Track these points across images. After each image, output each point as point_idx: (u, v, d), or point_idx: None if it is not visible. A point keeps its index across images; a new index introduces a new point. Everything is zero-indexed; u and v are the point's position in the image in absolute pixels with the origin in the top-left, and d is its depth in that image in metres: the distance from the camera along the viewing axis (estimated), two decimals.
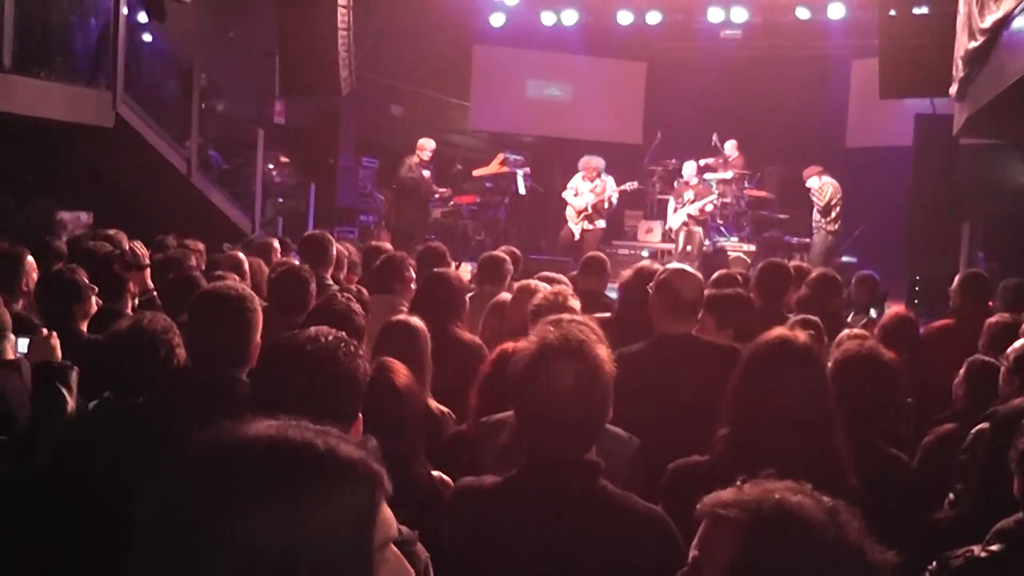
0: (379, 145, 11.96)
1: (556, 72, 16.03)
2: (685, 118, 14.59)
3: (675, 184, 13.33)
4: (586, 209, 11.74)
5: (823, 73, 14.51)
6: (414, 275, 5.08)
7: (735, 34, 14.69)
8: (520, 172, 12.79)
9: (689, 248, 12.10)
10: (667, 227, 12.91)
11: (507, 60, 15.76)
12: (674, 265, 3.79)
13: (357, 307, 3.50)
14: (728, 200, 13.12)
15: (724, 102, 14.84)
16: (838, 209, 11.55)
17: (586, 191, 11.80)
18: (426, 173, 11.67)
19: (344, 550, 0.99)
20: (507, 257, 5.75)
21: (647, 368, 3.32)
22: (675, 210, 12.56)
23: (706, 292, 4.74)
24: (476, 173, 13.28)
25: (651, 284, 3.67)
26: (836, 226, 11.58)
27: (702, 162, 13.28)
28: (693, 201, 12.18)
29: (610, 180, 11.85)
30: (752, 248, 12.37)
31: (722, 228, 13.07)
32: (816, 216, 11.78)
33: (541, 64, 16.00)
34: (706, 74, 14.95)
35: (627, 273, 4.27)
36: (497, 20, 14.88)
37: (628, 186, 11.90)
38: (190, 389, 2.60)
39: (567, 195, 11.96)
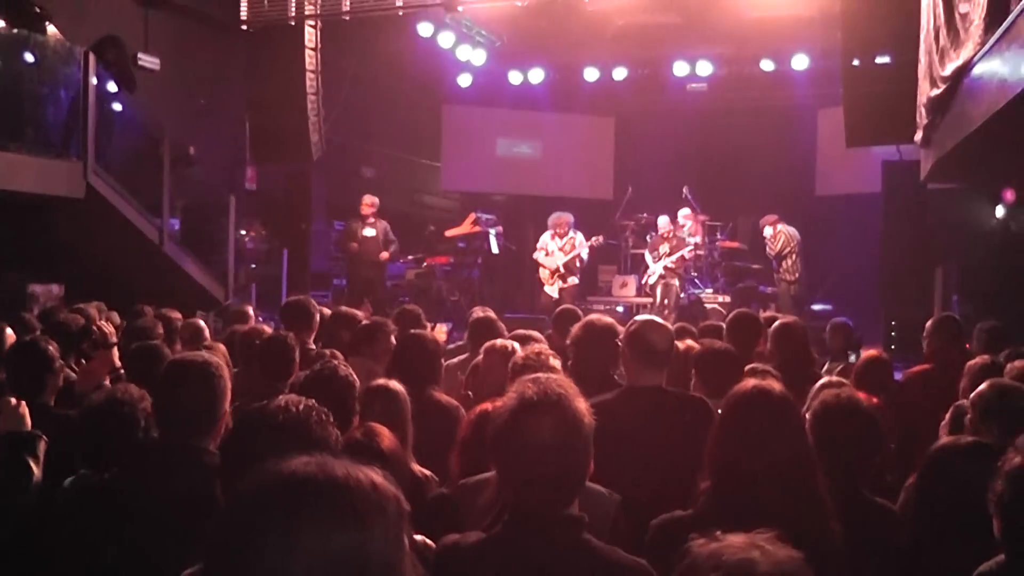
0: (350, 208, 11.99)
1: (525, 130, 16.24)
2: (655, 171, 14.78)
3: (648, 238, 13.43)
4: (558, 270, 11.79)
5: (790, 123, 14.80)
6: (394, 340, 5.08)
7: (701, 87, 14.97)
8: (492, 231, 12.82)
9: (667, 300, 12.13)
10: (643, 280, 12.98)
11: (477, 119, 15.96)
12: (643, 317, 3.82)
13: (355, 377, 3.49)
14: (701, 252, 13.23)
15: (693, 154, 15.11)
16: (793, 258, 11.73)
17: (556, 249, 11.83)
18: (370, 232, 11.63)
19: (387, 562, 1.18)
20: (496, 318, 5.77)
21: (619, 420, 3.32)
22: (651, 263, 12.70)
23: (693, 346, 4.79)
24: (449, 234, 13.30)
25: (620, 336, 3.69)
26: (795, 275, 11.77)
27: (680, 215, 13.52)
28: (669, 254, 12.27)
29: (579, 236, 11.86)
30: (727, 299, 12.47)
31: (696, 280, 13.15)
32: (774, 265, 11.98)
33: (510, 122, 16.21)
34: (674, 127, 15.22)
35: (576, 328, 4.31)
36: (465, 80, 15.10)
37: (594, 241, 11.87)
38: (157, 461, 2.58)
39: (538, 256, 11.95)
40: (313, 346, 5.32)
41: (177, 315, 6.26)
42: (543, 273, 11.90)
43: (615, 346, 4.10)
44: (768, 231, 11.90)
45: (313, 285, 12.34)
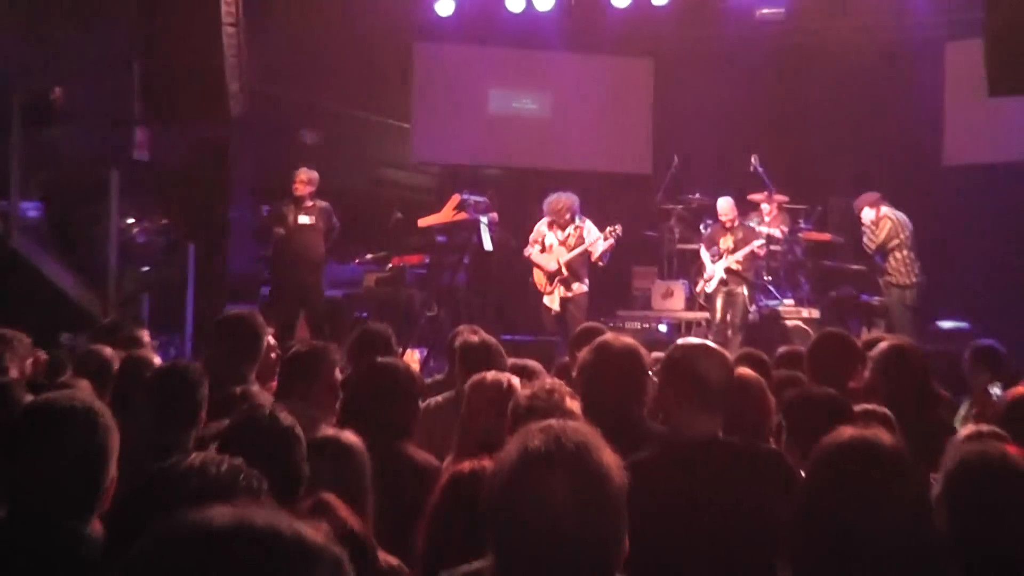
0: (287, 186, 12.05)
1: (529, 77, 16.33)
2: (711, 135, 14.85)
3: (702, 228, 13.49)
4: (559, 271, 11.80)
5: (904, 63, 14.85)
6: (339, 374, 5.07)
7: (776, 13, 15.10)
8: (484, 220, 12.86)
9: (730, 316, 12.27)
10: (697, 288, 13.04)
11: (461, 63, 16.05)
12: (690, 340, 3.88)
13: (299, 429, 3.37)
14: (778, 247, 13.30)
15: (765, 110, 15.15)
16: (903, 252, 11.72)
17: (555, 243, 11.85)
18: (306, 219, 11.68)
19: None
20: (492, 343, 5.80)
21: (661, 485, 3.33)
22: (709, 263, 12.77)
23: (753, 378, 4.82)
24: (423, 223, 13.35)
25: (656, 367, 3.72)
26: (910, 277, 11.75)
27: (750, 198, 13.54)
28: (732, 250, 12.36)
29: (589, 224, 11.87)
30: (815, 313, 12.56)
31: (771, 287, 13.22)
32: (878, 261, 12.06)
33: (508, 67, 16.30)
34: (738, 73, 15.26)
35: (585, 353, 4.34)
36: (445, 8, 15.16)
37: (609, 232, 11.80)
38: (5, 553, 2.51)
39: (532, 253, 11.97)
40: (256, 385, 5.33)
41: (23, 339, 6.11)
42: (538, 277, 11.98)
43: (641, 378, 4.13)
44: (867, 214, 11.96)
45: (233, 294, 12.37)
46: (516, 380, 4.29)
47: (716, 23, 15.40)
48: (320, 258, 11.82)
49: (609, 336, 4.45)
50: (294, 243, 11.63)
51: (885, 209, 11.95)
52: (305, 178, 11.72)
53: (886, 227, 11.81)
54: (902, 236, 11.79)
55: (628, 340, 4.35)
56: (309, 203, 11.71)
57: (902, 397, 5.04)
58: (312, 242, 11.68)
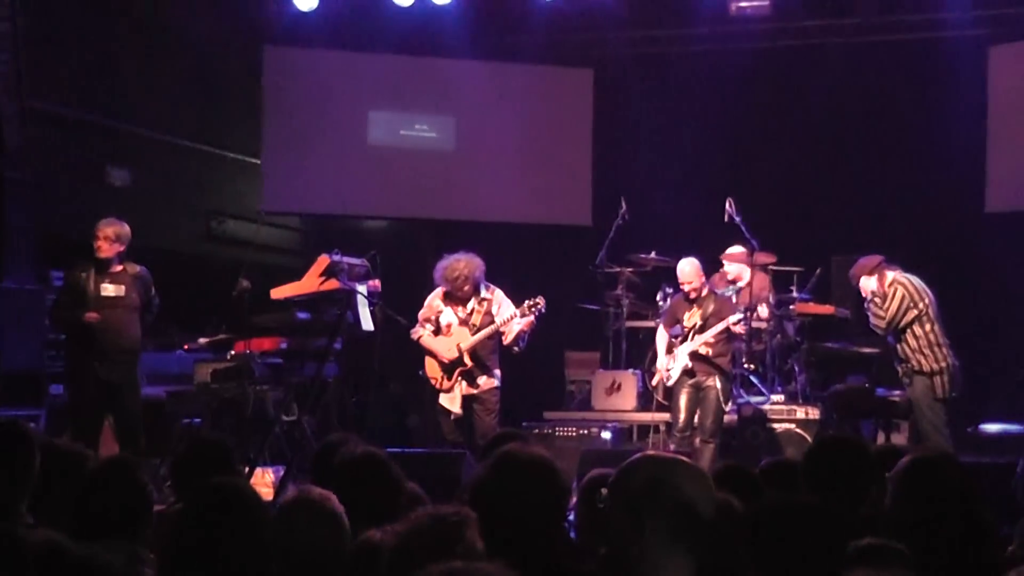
0: (87, 245, 12.04)
1: (425, 95, 16.59)
2: (670, 173, 15.26)
3: (660, 299, 13.78)
4: (460, 359, 11.82)
5: (933, 73, 15.28)
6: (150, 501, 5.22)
7: (759, 7, 15.44)
8: (362, 290, 12.83)
9: (699, 418, 12.25)
10: (653, 381, 13.15)
11: (330, 74, 16.27)
12: (654, 455, 4.00)
13: None
14: (763, 324, 13.56)
15: (745, 137, 15.59)
16: (927, 328, 11.67)
17: (454, 321, 11.90)
18: (112, 289, 11.53)
19: None
20: (381, 458, 5.84)
21: None
22: (668, 349, 12.78)
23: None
24: (278, 294, 13.27)
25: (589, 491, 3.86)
26: (939, 361, 11.72)
27: (726, 257, 13.84)
28: (701, 328, 12.32)
29: (499, 295, 11.90)
30: (814, 413, 12.79)
31: (753, 379, 13.54)
32: (891, 343, 11.97)
33: (396, 80, 16.55)
34: (708, 88, 15.69)
35: (482, 471, 4.53)
36: (306, 0, 15.44)
37: (529, 308, 11.69)
38: None
39: (422, 335, 12.02)
40: (28, 519, 5.44)
41: None
42: (431, 368, 12.00)
43: (559, 501, 4.35)
44: (868, 283, 11.84)
45: (9, 397, 12.35)
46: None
47: (679, 21, 15.84)
48: (133, 343, 11.68)
49: (513, 446, 4.56)
50: (97, 323, 11.50)
51: (892, 273, 11.84)
52: (111, 233, 11.49)
53: (898, 295, 11.59)
54: (921, 305, 11.66)
55: (537, 453, 4.49)
56: (117, 267, 11.51)
57: (933, 530, 4.94)
58: (121, 322, 11.55)
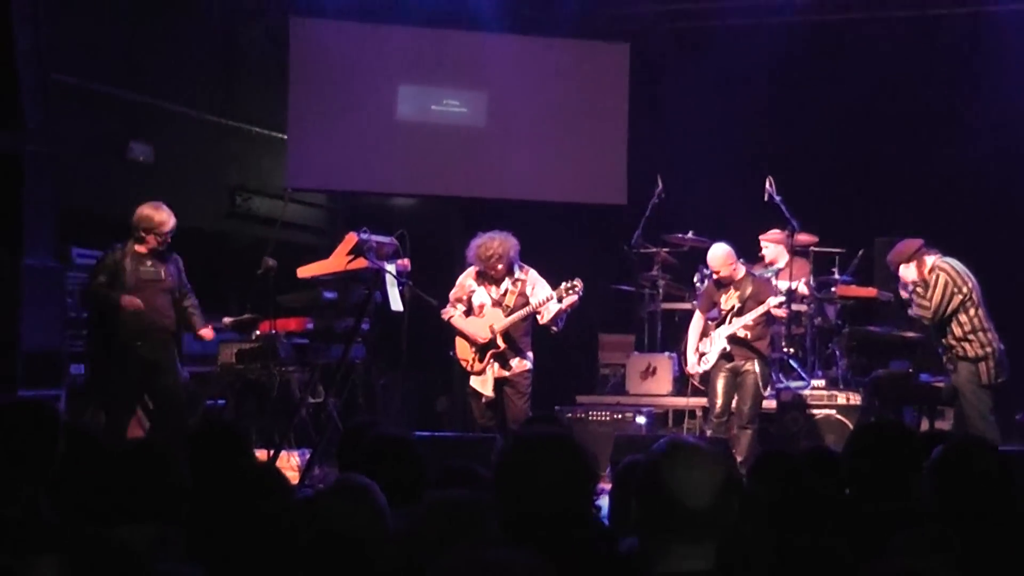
0: (108, 221, 12.12)
1: (456, 70, 16.58)
2: (709, 152, 15.25)
3: (696, 280, 13.78)
4: (493, 341, 11.83)
5: (983, 47, 15.22)
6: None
7: None
8: (390, 269, 12.83)
9: (736, 403, 12.26)
10: (689, 366, 13.15)
11: (359, 48, 16.26)
12: (675, 440, 3.99)
13: None
14: (804, 307, 13.59)
15: (784, 117, 15.57)
16: (971, 313, 11.61)
17: (487, 302, 11.93)
18: (152, 272, 11.58)
19: None
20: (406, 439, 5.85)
21: None
22: (702, 335, 12.77)
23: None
24: (304, 273, 13.30)
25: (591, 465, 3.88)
26: (984, 347, 11.66)
27: (763, 239, 13.89)
28: (740, 311, 12.32)
29: (534, 275, 11.93)
30: (855, 399, 12.79)
31: (793, 363, 13.56)
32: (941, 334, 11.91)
33: (426, 54, 16.51)
34: (747, 65, 15.64)
35: (501, 451, 4.55)
36: None
37: (566, 290, 11.60)
38: None
39: (453, 316, 12.05)
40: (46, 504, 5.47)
41: None
42: (462, 350, 12.06)
43: (584, 482, 4.37)
44: (908, 272, 11.77)
45: (28, 378, 12.41)
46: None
47: None
48: (172, 323, 11.85)
49: (539, 428, 4.56)
50: (135, 304, 11.63)
51: (932, 259, 11.78)
52: (160, 219, 11.68)
53: (940, 282, 11.53)
54: (964, 290, 11.56)
55: (560, 429, 4.46)
56: (161, 250, 11.78)
57: (970, 520, 4.91)
58: (163, 303, 11.78)
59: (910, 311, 11.90)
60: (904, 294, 11.90)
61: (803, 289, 13.55)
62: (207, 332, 12.11)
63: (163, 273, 11.78)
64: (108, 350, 12.02)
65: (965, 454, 5.11)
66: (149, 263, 11.73)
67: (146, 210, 11.71)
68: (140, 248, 11.68)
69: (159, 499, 5.11)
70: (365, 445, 5.87)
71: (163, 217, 11.68)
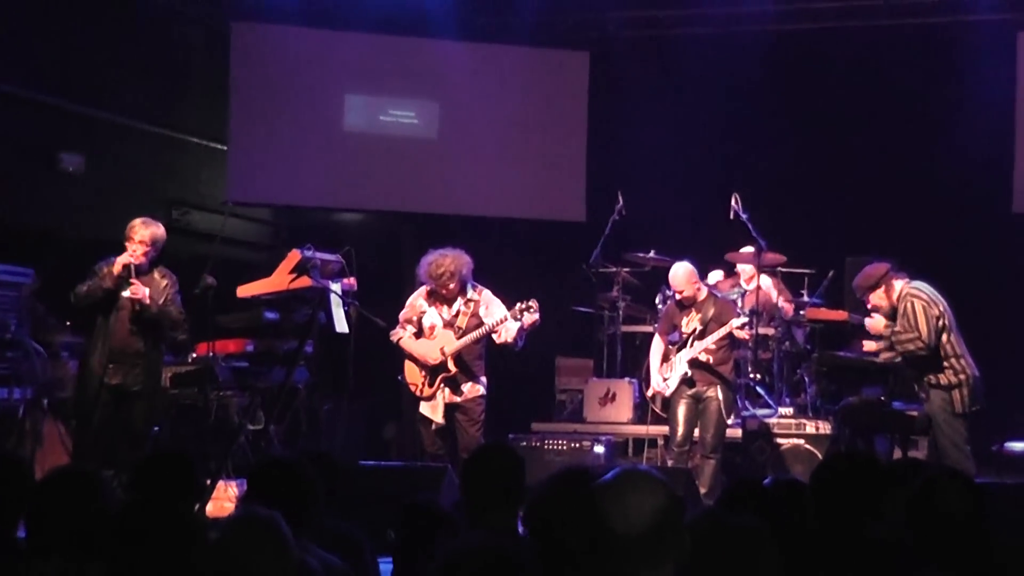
0: (35, 235, 12.04)
1: (407, 78, 16.54)
2: (672, 165, 15.28)
3: (658, 302, 13.77)
4: (444, 364, 11.76)
5: (957, 61, 15.26)
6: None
7: None
8: (335, 288, 12.80)
9: (699, 431, 12.24)
10: (649, 391, 13.14)
11: (305, 54, 16.22)
12: (626, 467, 3.98)
13: None
14: (771, 331, 13.65)
15: (751, 129, 15.59)
16: (946, 338, 11.62)
17: (438, 323, 11.87)
18: (136, 290, 11.64)
19: None
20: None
21: None
22: (663, 359, 12.76)
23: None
24: (244, 292, 13.25)
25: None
26: (958, 374, 11.65)
27: (738, 261, 13.92)
28: (702, 334, 12.32)
29: (488, 296, 11.88)
30: (824, 428, 12.81)
31: (759, 389, 13.55)
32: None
33: (376, 61, 16.51)
34: (713, 73, 15.68)
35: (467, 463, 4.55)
36: None
37: (521, 311, 11.55)
38: None
39: (402, 337, 11.99)
40: None
41: None
42: (411, 374, 11.99)
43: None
44: (877, 299, 11.84)
45: None
46: None
47: (682, 0, 15.89)
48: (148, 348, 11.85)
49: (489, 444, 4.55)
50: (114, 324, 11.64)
51: (900, 284, 11.76)
52: (143, 236, 11.62)
53: (918, 308, 11.47)
54: (939, 309, 11.70)
55: (508, 446, 4.47)
56: (146, 271, 11.72)
57: (947, 555, 4.95)
58: (140, 327, 11.73)
59: (903, 351, 11.67)
60: (873, 346, 11.93)
61: (785, 305, 13.67)
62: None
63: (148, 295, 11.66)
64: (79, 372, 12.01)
65: (939, 489, 5.11)
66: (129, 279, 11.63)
67: (133, 224, 11.74)
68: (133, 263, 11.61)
69: (79, 532, 5.06)
70: (255, 471, 5.87)
71: (136, 230, 11.63)
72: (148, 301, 11.46)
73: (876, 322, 11.74)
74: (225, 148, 16.29)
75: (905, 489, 5.25)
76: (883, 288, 11.70)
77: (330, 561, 4.97)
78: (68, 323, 13.12)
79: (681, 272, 12.41)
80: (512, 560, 4.21)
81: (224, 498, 11.02)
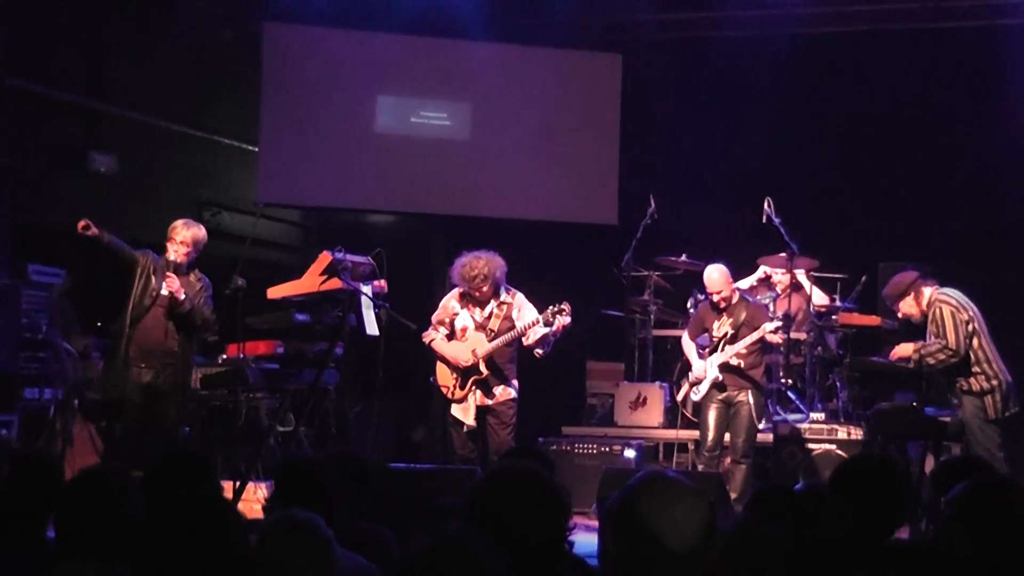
0: (66, 235, 12.06)
1: (439, 80, 16.55)
2: (704, 170, 15.32)
3: (690, 305, 13.76)
4: (476, 366, 11.80)
5: (992, 64, 15.20)
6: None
7: None
8: (366, 291, 12.79)
9: (730, 436, 12.22)
10: (680, 395, 13.13)
11: (335, 55, 16.25)
12: (654, 473, 3.95)
13: None
14: (803, 335, 13.63)
15: (783, 135, 15.57)
16: (977, 343, 11.57)
17: (470, 324, 11.91)
18: (172, 282, 11.69)
19: None
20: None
21: None
22: (699, 357, 12.74)
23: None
24: (275, 294, 13.27)
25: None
26: (991, 380, 11.60)
27: (764, 266, 13.94)
28: (733, 338, 12.29)
29: (521, 298, 11.92)
30: (856, 433, 12.79)
31: (791, 394, 13.54)
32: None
33: (407, 63, 16.50)
34: (746, 79, 15.70)
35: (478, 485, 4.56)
36: None
37: (552, 314, 11.53)
38: None
39: (434, 339, 12.05)
40: None
41: None
42: (443, 376, 12.03)
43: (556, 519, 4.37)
44: (908, 307, 11.80)
45: None
46: None
47: (716, 3, 15.88)
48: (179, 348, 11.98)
49: (508, 462, 4.56)
50: (155, 323, 11.80)
51: (930, 291, 11.74)
52: (188, 238, 11.84)
53: (947, 314, 11.49)
54: (966, 322, 11.55)
55: (527, 464, 4.48)
56: (184, 272, 11.89)
57: (997, 568, 4.76)
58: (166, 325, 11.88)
59: (936, 363, 11.61)
60: (901, 353, 11.87)
61: (822, 299, 13.70)
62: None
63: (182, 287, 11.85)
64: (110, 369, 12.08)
65: (995, 493, 4.98)
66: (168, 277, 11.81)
67: (175, 225, 11.95)
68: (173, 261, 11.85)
69: (107, 533, 5.11)
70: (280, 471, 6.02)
71: (181, 228, 11.90)
72: (182, 296, 11.56)
73: (903, 348, 11.73)
74: (256, 149, 16.29)
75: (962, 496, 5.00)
76: (912, 296, 11.69)
77: (356, 561, 5.01)
78: (99, 324, 13.21)
79: (717, 274, 12.43)
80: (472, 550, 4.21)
81: (253, 500, 11.05)
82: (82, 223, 11.20)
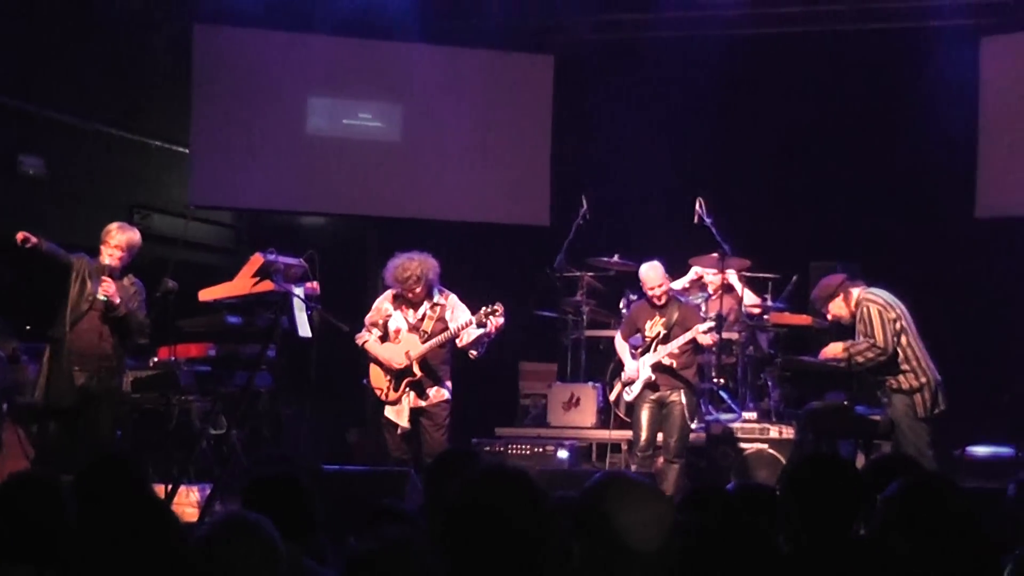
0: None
1: (370, 81, 16.54)
2: (636, 170, 15.32)
3: (622, 306, 13.78)
4: (409, 368, 11.81)
5: (920, 66, 15.28)
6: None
7: None
8: (298, 292, 12.78)
9: (663, 436, 12.25)
10: (612, 395, 13.14)
11: (267, 56, 16.20)
12: (614, 475, 3.96)
13: None
14: (735, 335, 13.67)
15: (715, 134, 15.62)
16: (905, 342, 11.65)
17: (405, 329, 11.91)
18: (108, 287, 11.64)
19: None
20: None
21: None
22: (632, 357, 12.75)
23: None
24: (206, 296, 13.22)
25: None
26: (919, 378, 11.67)
27: (696, 265, 13.96)
28: (665, 338, 12.30)
29: (454, 301, 11.92)
30: (788, 432, 12.83)
31: (723, 394, 13.58)
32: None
33: (339, 64, 16.52)
34: (678, 79, 15.74)
35: (456, 494, 4.54)
36: None
37: (486, 315, 11.58)
38: None
39: (367, 341, 12.02)
40: None
41: None
42: (376, 378, 12.01)
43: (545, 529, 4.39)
44: (838, 308, 11.91)
45: None
46: None
47: (647, 4, 15.84)
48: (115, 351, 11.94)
49: (492, 463, 4.53)
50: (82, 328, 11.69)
51: (857, 291, 11.91)
52: (123, 242, 11.73)
53: (873, 313, 11.64)
54: (895, 313, 11.77)
55: (518, 468, 4.41)
56: (119, 276, 11.78)
57: (932, 562, 4.91)
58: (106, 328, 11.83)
59: (865, 361, 11.72)
60: (831, 353, 11.95)
61: (753, 299, 13.83)
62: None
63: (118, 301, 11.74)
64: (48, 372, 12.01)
65: (928, 490, 5.14)
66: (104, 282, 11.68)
67: (108, 228, 11.83)
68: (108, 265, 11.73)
69: (37, 539, 5.10)
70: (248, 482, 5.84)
71: (115, 232, 11.77)
72: (117, 300, 11.51)
73: (833, 348, 11.85)
74: (187, 151, 16.23)
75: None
76: (841, 297, 11.82)
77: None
78: (27, 327, 13.14)
79: (653, 271, 12.44)
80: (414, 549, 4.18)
81: (186, 503, 11.03)
82: (20, 235, 11.15)
